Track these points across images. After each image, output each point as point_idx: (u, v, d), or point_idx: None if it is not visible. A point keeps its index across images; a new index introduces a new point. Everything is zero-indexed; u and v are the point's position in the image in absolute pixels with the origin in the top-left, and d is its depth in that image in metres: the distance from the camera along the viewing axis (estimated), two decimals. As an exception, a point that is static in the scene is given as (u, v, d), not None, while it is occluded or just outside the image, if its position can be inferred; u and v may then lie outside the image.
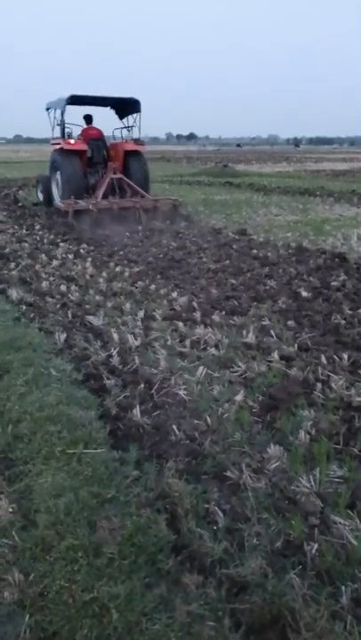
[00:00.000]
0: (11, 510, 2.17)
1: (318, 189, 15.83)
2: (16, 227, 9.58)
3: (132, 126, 11.45)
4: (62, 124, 10.83)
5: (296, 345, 3.87)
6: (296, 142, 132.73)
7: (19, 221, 10.26)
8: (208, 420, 2.82)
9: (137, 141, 11.18)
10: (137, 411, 2.87)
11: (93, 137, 11.28)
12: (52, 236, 8.52)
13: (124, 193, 10.63)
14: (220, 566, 1.90)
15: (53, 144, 11.20)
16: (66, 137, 10.81)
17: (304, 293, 5.18)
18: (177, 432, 2.71)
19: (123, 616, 1.68)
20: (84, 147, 10.76)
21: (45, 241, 8.17)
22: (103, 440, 2.60)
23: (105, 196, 10.11)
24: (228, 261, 6.72)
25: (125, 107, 11.42)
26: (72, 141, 10.62)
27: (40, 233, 8.91)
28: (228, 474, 2.40)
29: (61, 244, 7.86)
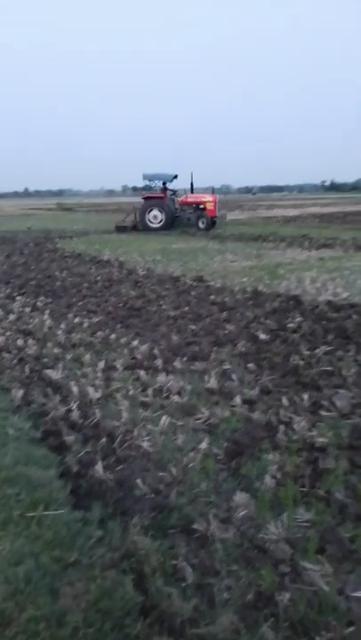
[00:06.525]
0: (-34, 584, 2.03)
1: (271, 235, 16.44)
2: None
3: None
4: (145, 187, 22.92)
5: (257, 388, 3.90)
6: (251, 190, 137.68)
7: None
8: (173, 471, 2.77)
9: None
10: (99, 466, 2.79)
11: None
12: (8, 290, 8.44)
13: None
14: (191, 626, 1.82)
15: None
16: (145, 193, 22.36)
17: (262, 336, 5.27)
18: (141, 486, 2.65)
19: None
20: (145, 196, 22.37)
21: (2, 295, 8.08)
22: (64, 500, 2.50)
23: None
24: (187, 308, 6.81)
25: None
26: (143, 192, 22.75)
27: (-4, 288, 8.79)
28: (196, 526, 2.34)
29: (18, 298, 7.78)
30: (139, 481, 2.68)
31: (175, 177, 21.97)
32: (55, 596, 1.92)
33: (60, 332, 5.67)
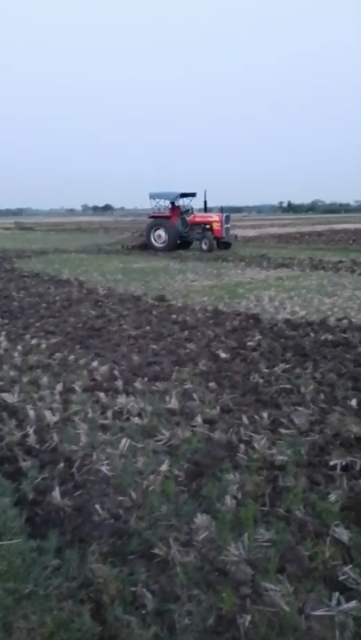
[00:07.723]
0: None
1: (231, 255, 16.74)
2: None
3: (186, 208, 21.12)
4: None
5: (218, 407, 3.91)
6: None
7: None
8: (133, 494, 2.73)
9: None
10: (56, 493, 2.71)
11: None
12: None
13: None
14: (151, 656, 1.78)
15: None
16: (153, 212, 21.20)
17: (223, 355, 5.30)
18: (100, 512, 2.59)
19: None
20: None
21: None
22: (19, 529, 2.41)
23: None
24: (148, 327, 6.79)
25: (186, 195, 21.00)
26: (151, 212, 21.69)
27: None
28: (156, 551, 2.30)
29: (-26, 320, 7.56)
30: (97, 506, 2.62)
31: (192, 195, 20.81)
32: (8, 631, 1.83)
33: (16, 354, 5.54)
